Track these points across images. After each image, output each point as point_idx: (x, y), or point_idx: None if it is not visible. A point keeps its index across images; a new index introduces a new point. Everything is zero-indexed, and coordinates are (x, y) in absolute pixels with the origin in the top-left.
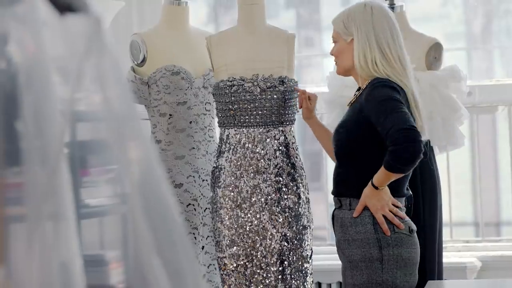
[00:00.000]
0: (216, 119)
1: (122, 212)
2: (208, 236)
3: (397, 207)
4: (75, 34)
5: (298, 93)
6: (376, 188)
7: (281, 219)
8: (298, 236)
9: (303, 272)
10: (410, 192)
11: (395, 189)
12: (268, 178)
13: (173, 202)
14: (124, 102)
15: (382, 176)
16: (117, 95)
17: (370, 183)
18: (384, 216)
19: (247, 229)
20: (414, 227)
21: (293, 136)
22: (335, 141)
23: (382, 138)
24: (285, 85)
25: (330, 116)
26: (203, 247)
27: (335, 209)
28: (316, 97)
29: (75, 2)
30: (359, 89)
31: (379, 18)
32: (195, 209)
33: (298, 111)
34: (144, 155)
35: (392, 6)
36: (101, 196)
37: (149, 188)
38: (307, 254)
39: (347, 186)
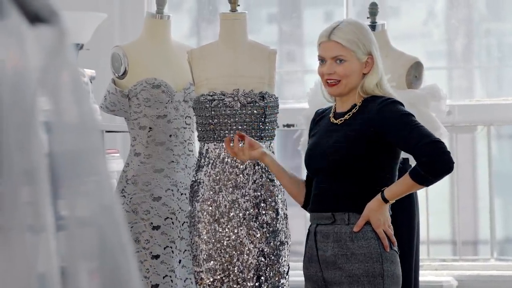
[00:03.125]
0: (196, 133)
1: (98, 224)
2: (185, 250)
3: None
4: (43, 45)
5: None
6: (387, 201)
7: (259, 235)
8: (276, 252)
9: None
10: (390, 211)
11: None
12: (246, 193)
13: (123, 223)
14: (82, 116)
15: (400, 189)
16: (75, 108)
17: (379, 196)
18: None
19: (225, 243)
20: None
21: (273, 152)
22: (331, 156)
23: (384, 153)
24: (265, 101)
25: None
26: (180, 261)
27: (320, 224)
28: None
29: (44, 12)
30: (354, 106)
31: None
32: (173, 222)
33: (278, 127)
34: (98, 171)
35: (373, 24)
36: (78, 208)
37: (102, 207)
38: (284, 270)
39: (345, 201)
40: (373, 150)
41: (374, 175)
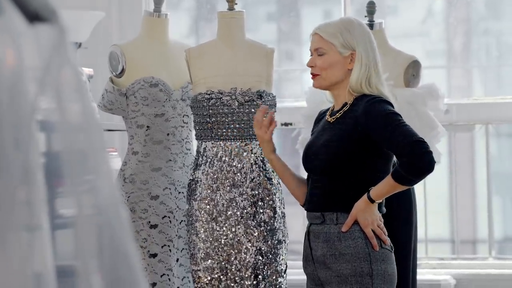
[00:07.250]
0: (194, 132)
1: (97, 223)
2: (183, 249)
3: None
4: (43, 43)
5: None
6: (373, 201)
7: (256, 233)
8: (273, 251)
9: (277, 286)
10: (385, 209)
11: (378, 205)
12: (244, 192)
13: (126, 221)
14: (85, 114)
15: (385, 189)
16: (77, 107)
17: (365, 196)
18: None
19: (222, 242)
20: (391, 244)
21: None
22: (321, 155)
23: (374, 153)
24: (263, 99)
25: (308, 131)
26: (177, 260)
27: (312, 224)
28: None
29: (44, 11)
30: (345, 104)
31: (370, 36)
32: (170, 221)
33: (276, 126)
34: (101, 169)
35: (371, 22)
36: (76, 207)
37: (104, 203)
38: (282, 269)
39: (334, 201)
40: (362, 150)
41: (363, 175)
